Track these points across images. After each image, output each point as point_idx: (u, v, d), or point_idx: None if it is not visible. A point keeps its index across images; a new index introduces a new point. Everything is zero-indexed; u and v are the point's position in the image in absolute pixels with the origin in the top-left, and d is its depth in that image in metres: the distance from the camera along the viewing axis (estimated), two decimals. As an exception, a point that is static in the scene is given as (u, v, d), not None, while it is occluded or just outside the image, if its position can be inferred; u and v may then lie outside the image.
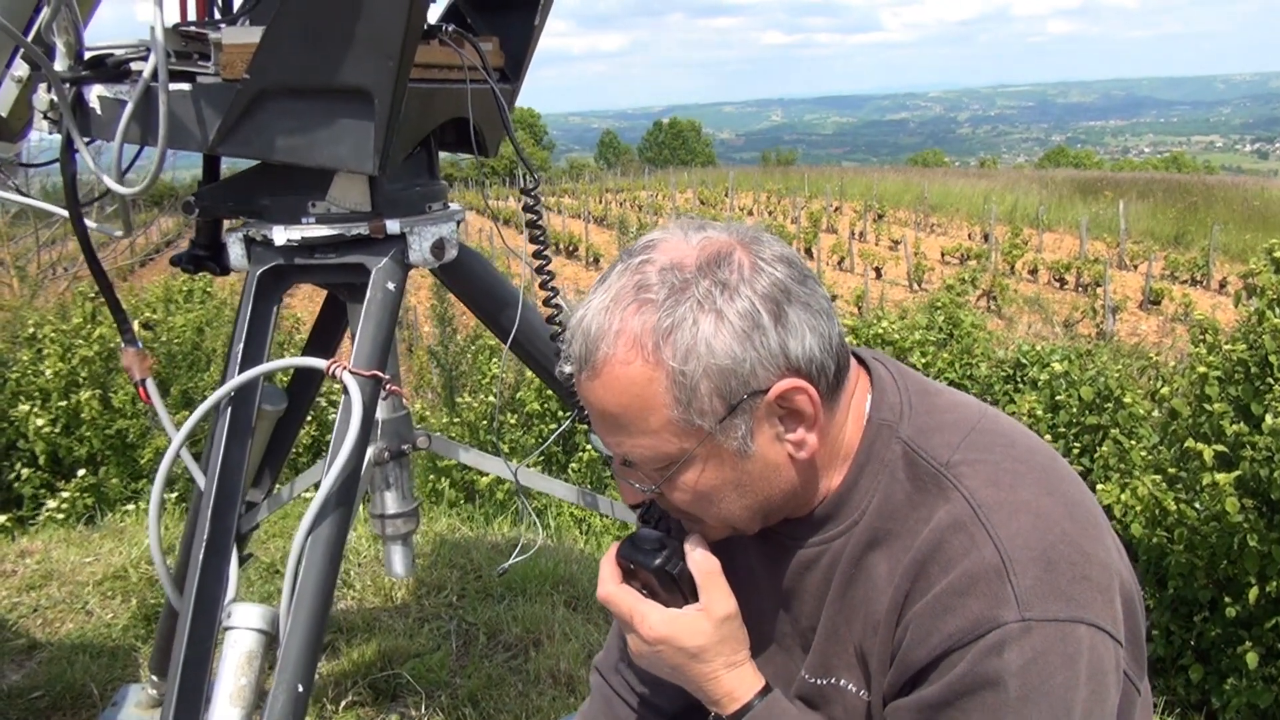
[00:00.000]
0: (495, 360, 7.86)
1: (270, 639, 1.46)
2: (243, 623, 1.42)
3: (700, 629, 1.13)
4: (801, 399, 1.06)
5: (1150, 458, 4.14)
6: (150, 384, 1.81)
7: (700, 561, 1.15)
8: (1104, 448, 4.35)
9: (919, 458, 1.10)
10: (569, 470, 6.86)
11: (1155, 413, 4.55)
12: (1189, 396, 3.75)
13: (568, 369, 1.10)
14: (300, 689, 1.39)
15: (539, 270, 1.77)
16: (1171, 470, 3.61)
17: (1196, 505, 3.39)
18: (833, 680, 1.16)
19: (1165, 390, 3.97)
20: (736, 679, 1.14)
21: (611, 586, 1.17)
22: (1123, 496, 3.70)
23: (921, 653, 1.03)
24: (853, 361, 1.17)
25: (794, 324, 1.04)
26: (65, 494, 5.82)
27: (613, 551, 1.19)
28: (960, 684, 0.99)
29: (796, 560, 1.19)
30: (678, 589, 1.15)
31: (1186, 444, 3.29)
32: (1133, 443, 4.23)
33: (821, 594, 1.17)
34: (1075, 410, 4.86)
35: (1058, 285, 20.32)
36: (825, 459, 1.14)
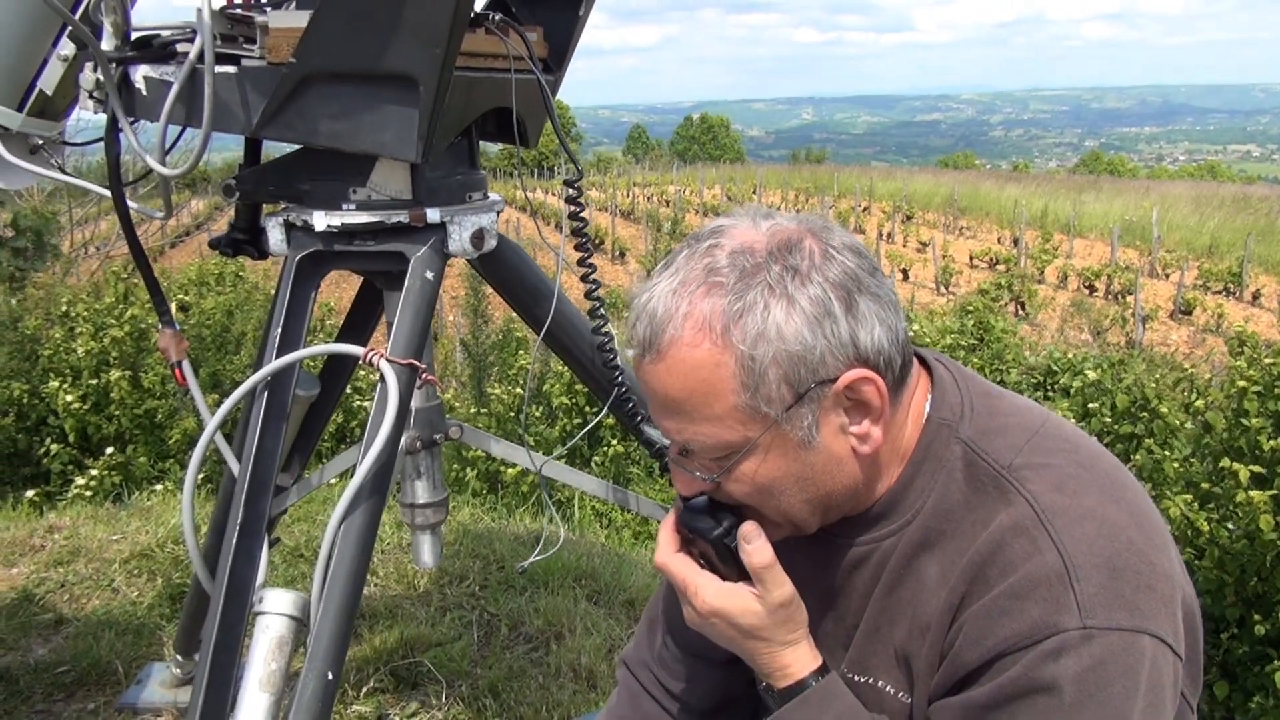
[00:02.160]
0: (523, 352, 7.86)
1: (300, 625, 1.45)
2: (274, 608, 1.42)
3: (753, 609, 1.10)
4: (869, 390, 1.03)
5: (1183, 469, 4.08)
6: (186, 366, 1.81)
7: (755, 553, 1.11)
8: (1138, 456, 4.29)
9: (980, 459, 1.08)
10: (592, 464, 6.86)
11: (1189, 424, 4.49)
12: (1225, 410, 3.68)
13: (629, 352, 1.07)
14: (330, 676, 1.38)
15: (580, 263, 1.75)
16: (1205, 486, 3.55)
17: (1229, 525, 3.33)
18: (870, 680, 1.14)
19: (1200, 403, 3.91)
20: (792, 655, 1.12)
21: (668, 554, 1.15)
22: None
23: (974, 654, 1.00)
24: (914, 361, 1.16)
25: (864, 314, 1.02)
26: (94, 471, 5.89)
27: (671, 518, 1.16)
28: (1012, 687, 0.97)
29: (846, 558, 1.17)
30: (734, 562, 1.12)
31: (1221, 463, 3.23)
32: (1166, 453, 4.17)
33: (868, 592, 1.15)
34: (1109, 419, 4.81)
35: (1088, 292, 20.11)
36: (885, 456, 1.11)
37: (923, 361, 1.19)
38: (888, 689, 1.13)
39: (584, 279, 1.77)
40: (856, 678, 1.16)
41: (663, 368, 1.03)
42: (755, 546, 1.11)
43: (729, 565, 1.12)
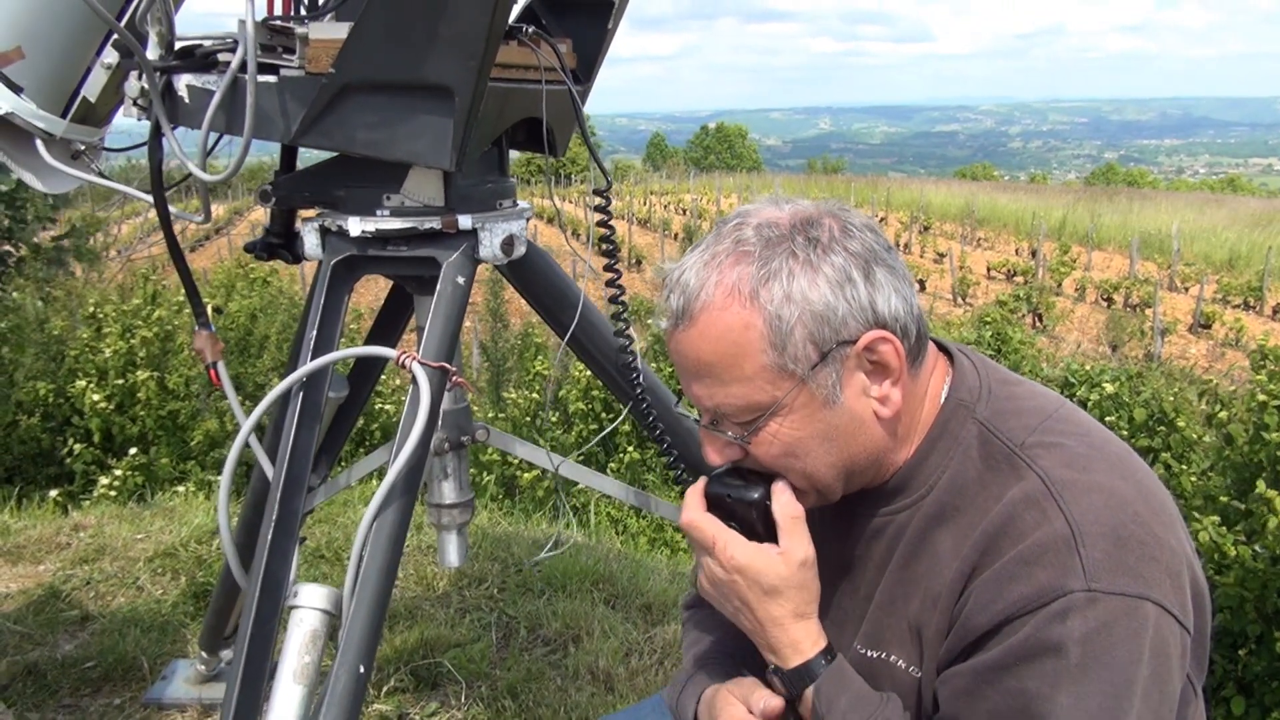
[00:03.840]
0: (541, 357, 7.92)
1: (333, 619, 1.49)
2: (308, 603, 1.46)
3: (778, 568, 1.14)
4: (887, 350, 1.09)
5: (1200, 483, 4.07)
6: (221, 367, 1.85)
7: (786, 505, 1.16)
8: (1155, 471, 4.27)
9: (994, 438, 1.13)
10: (608, 470, 6.90)
11: (1208, 438, 4.48)
12: (1246, 424, 3.68)
13: (663, 323, 1.14)
14: (361, 670, 1.42)
15: (607, 268, 1.79)
16: (1224, 499, 3.55)
17: (1257, 547, 3.33)
18: (883, 655, 1.17)
19: (1223, 414, 3.90)
20: (803, 631, 1.15)
21: (696, 513, 1.18)
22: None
23: (983, 618, 1.04)
24: (934, 348, 1.22)
25: (881, 283, 1.09)
26: (117, 471, 5.96)
27: (700, 484, 1.20)
28: (1021, 648, 1.00)
29: (863, 530, 1.21)
30: (763, 526, 1.16)
31: (1257, 489, 3.23)
32: (1183, 467, 4.17)
33: (883, 564, 1.19)
34: (1126, 432, 4.80)
35: (1105, 305, 20.02)
36: (904, 426, 1.16)
37: (946, 351, 1.24)
38: (899, 663, 1.16)
39: (609, 284, 1.80)
40: (869, 652, 1.19)
41: (695, 332, 1.09)
42: (787, 498, 1.16)
43: (755, 529, 1.16)
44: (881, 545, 1.20)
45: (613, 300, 1.82)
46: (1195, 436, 4.66)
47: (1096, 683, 0.98)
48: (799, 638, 1.15)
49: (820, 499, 1.18)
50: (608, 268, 1.74)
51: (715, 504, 1.18)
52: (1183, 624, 1.02)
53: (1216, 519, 3.51)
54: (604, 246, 1.77)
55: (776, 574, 1.13)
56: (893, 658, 1.16)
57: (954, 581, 1.09)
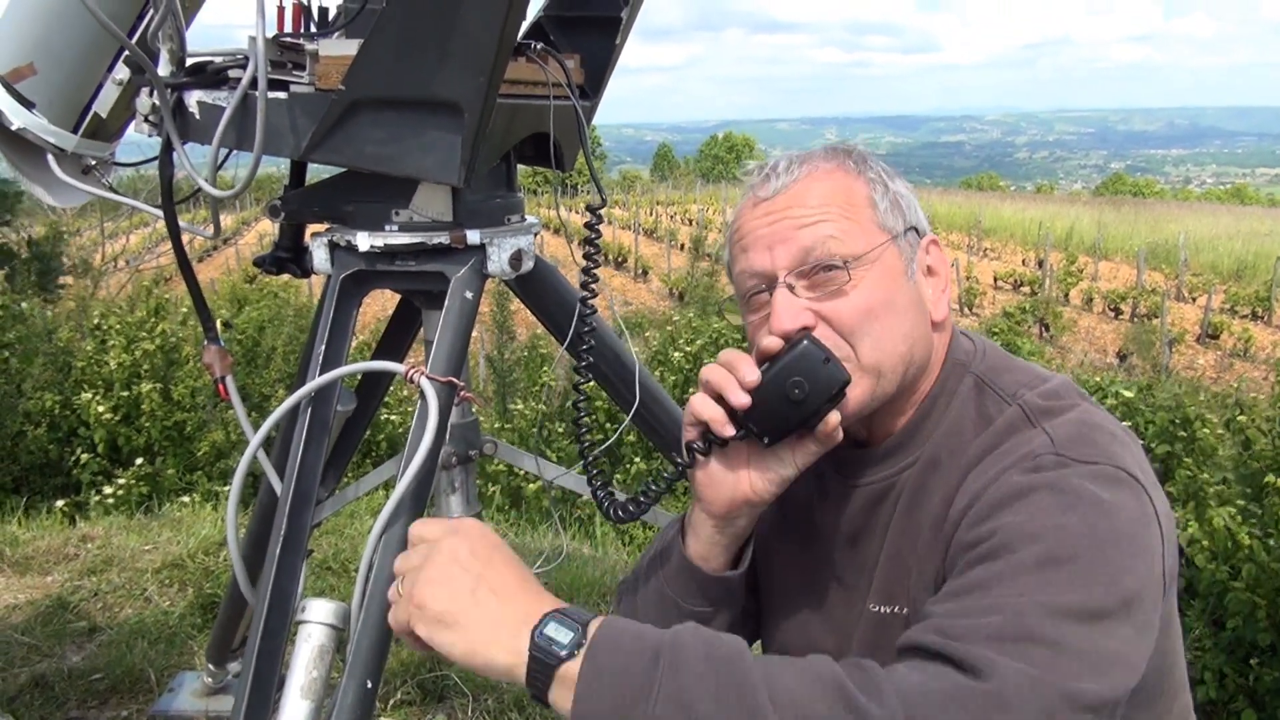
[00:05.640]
0: (546, 367, 7.92)
1: (341, 634, 1.49)
2: (316, 618, 1.45)
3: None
4: (939, 253, 1.23)
5: (1221, 489, 4.05)
6: (230, 381, 1.86)
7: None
8: (1177, 476, 4.25)
9: (989, 387, 1.18)
10: (614, 481, 6.89)
11: (1227, 441, 4.46)
12: (1270, 432, 3.67)
13: (751, 194, 1.21)
14: (369, 685, 1.41)
15: (583, 286, 1.80)
16: (1240, 503, 3.54)
17: (1271, 542, 3.32)
18: (895, 609, 1.17)
19: (1243, 419, 3.89)
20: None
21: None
22: (1189, 529, 3.61)
23: (965, 508, 1.08)
24: None
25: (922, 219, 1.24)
26: (122, 481, 5.98)
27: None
28: (995, 497, 1.04)
29: (861, 499, 1.23)
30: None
31: (1266, 480, 3.23)
32: (1205, 475, 4.15)
33: (887, 524, 1.20)
34: (1145, 439, 4.78)
35: (1113, 315, 19.97)
36: (934, 358, 1.21)
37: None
38: (910, 615, 1.15)
39: (583, 301, 1.80)
40: (882, 608, 1.18)
41: (800, 185, 1.17)
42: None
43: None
44: (887, 507, 1.21)
45: (582, 318, 1.81)
46: (1214, 444, 4.63)
47: (1077, 510, 0.99)
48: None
49: (874, 386, 1.14)
50: (584, 285, 1.75)
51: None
52: (1155, 504, 1.04)
53: (1232, 510, 3.50)
54: (587, 249, 1.78)
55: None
56: (905, 610, 1.15)
57: (949, 510, 1.11)
